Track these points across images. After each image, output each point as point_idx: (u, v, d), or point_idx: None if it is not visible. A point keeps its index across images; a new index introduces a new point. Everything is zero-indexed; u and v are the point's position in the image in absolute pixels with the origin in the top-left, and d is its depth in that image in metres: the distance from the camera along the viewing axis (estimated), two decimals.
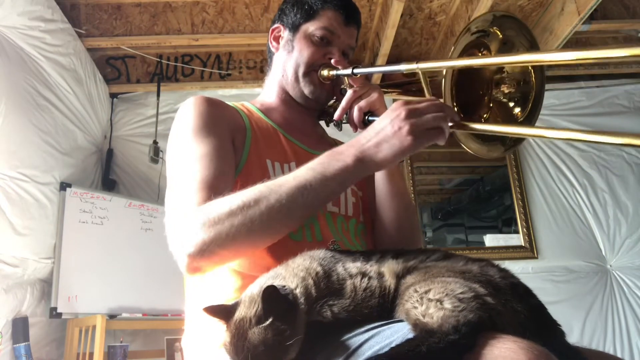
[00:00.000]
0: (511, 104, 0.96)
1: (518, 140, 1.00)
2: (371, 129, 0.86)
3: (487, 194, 3.45)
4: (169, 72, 3.26)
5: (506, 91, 0.96)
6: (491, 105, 0.97)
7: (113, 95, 3.27)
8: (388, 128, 0.83)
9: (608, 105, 3.42)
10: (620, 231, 3.15)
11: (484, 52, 0.93)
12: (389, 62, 3.10)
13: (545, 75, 0.96)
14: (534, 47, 0.92)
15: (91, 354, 2.29)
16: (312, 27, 1.15)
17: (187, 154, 0.96)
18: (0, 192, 2.14)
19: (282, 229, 0.86)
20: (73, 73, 2.76)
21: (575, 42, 3.35)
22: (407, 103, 0.84)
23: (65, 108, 2.69)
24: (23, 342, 2.18)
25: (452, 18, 2.99)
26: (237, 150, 1.01)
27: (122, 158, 3.18)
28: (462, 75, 0.93)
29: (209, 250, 0.81)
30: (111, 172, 3.13)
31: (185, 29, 3.02)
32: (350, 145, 0.86)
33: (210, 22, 3.02)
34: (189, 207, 0.86)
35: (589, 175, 3.27)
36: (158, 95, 3.18)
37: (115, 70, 3.24)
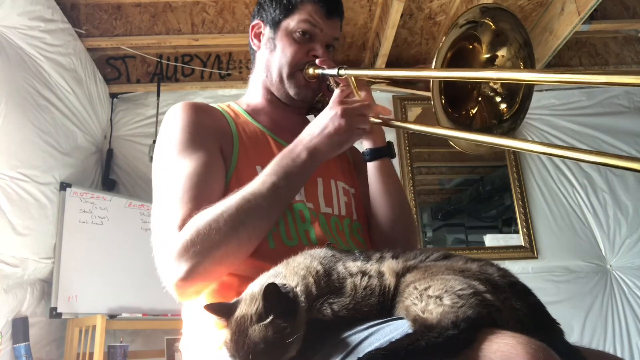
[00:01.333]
0: (498, 99, 0.97)
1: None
2: (313, 126, 0.98)
3: (487, 194, 3.45)
4: (169, 72, 3.26)
5: (496, 87, 0.97)
6: (479, 99, 0.98)
7: (113, 95, 3.27)
8: (329, 125, 0.96)
9: (608, 105, 3.42)
10: (620, 231, 3.15)
11: (475, 44, 0.92)
12: (389, 62, 3.11)
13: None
14: (528, 44, 0.92)
15: (91, 354, 2.29)
16: (292, 23, 1.12)
17: (172, 170, 0.95)
18: (0, 192, 2.14)
19: (266, 231, 0.92)
20: (73, 73, 2.76)
21: (575, 42, 3.36)
22: (341, 102, 0.99)
23: (65, 108, 2.69)
24: (23, 342, 2.18)
25: (452, 18, 3.00)
26: (225, 158, 1.00)
27: (122, 158, 3.18)
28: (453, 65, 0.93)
29: (196, 274, 0.83)
30: (111, 172, 3.13)
31: (185, 29, 3.02)
32: (299, 143, 0.97)
33: (210, 22, 3.02)
34: (171, 231, 0.87)
35: (589, 175, 3.27)
36: (158, 95, 3.18)
37: (115, 70, 3.25)
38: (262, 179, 0.91)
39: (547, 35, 2.87)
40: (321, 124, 0.97)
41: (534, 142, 0.72)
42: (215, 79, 3.27)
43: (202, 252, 0.82)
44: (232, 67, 3.27)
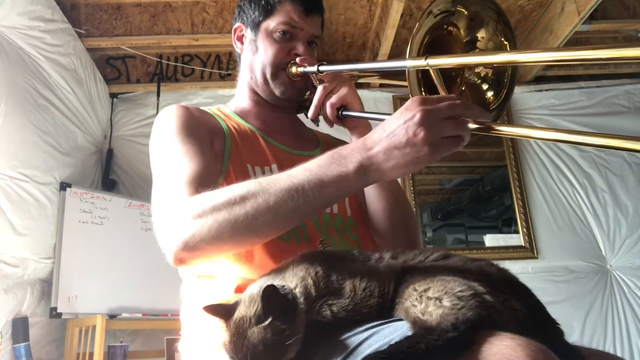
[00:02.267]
0: (485, 87, 0.93)
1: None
2: (381, 130, 0.75)
3: (487, 194, 3.45)
4: (169, 72, 3.26)
5: (482, 74, 0.93)
6: (463, 88, 0.94)
7: (113, 95, 3.27)
8: (401, 132, 0.72)
9: (608, 105, 3.42)
10: (620, 231, 3.15)
11: (450, 28, 0.89)
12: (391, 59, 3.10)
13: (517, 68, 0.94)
14: (501, 15, 0.89)
15: (91, 354, 2.29)
16: (272, 24, 1.12)
17: (170, 153, 0.95)
18: (0, 192, 2.14)
19: (268, 232, 0.81)
20: (73, 73, 2.76)
21: (575, 42, 3.36)
22: (424, 102, 0.73)
23: (65, 108, 2.69)
24: (23, 342, 2.18)
25: None
26: (218, 156, 1.00)
27: (122, 158, 3.18)
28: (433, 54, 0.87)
29: (193, 243, 0.79)
30: (111, 172, 3.13)
31: (185, 29, 3.02)
32: (357, 148, 0.76)
33: (210, 22, 3.02)
34: (177, 201, 0.86)
35: (589, 175, 3.27)
36: (158, 95, 3.18)
37: (115, 70, 3.25)
38: (292, 172, 0.78)
39: (547, 35, 2.87)
40: (391, 128, 0.74)
41: (526, 126, 0.71)
42: (215, 79, 3.27)
43: (201, 224, 0.79)
44: (232, 67, 3.27)
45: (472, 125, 0.75)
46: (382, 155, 0.74)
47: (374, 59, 3.16)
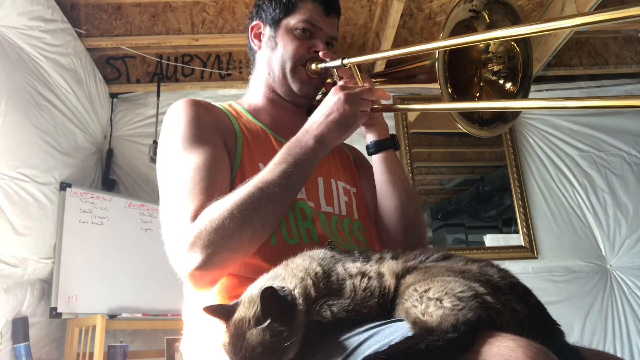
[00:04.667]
0: (501, 81, 0.99)
1: (501, 119, 1.01)
2: (318, 114, 1.00)
3: (487, 194, 3.45)
4: (169, 72, 3.26)
5: (495, 69, 0.99)
6: (482, 84, 1.00)
7: (113, 95, 3.27)
8: (334, 111, 0.98)
9: None
10: (620, 231, 3.15)
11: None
12: (389, 62, 3.10)
13: (531, 46, 0.99)
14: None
15: (91, 354, 2.29)
16: (293, 21, 1.13)
17: (179, 164, 0.95)
18: (0, 192, 2.14)
19: (278, 219, 0.93)
20: (73, 73, 2.76)
21: (575, 42, 3.36)
22: (343, 88, 1.01)
23: (65, 108, 2.69)
24: (23, 342, 2.18)
25: None
26: (229, 155, 1.01)
27: (122, 158, 3.18)
28: (453, 57, 0.95)
29: (211, 263, 0.83)
30: (111, 172, 3.12)
31: (185, 29, 3.02)
32: (305, 132, 0.98)
33: (210, 22, 3.02)
34: (184, 222, 0.87)
35: (589, 175, 3.27)
36: (158, 95, 3.18)
37: (115, 70, 3.25)
38: (271, 168, 0.92)
39: (547, 35, 2.87)
40: (325, 110, 0.99)
41: (542, 99, 0.74)
42: (215, 79, 3.26)
43: (217, 241, 0.82)
44: (232, 67, 3.27)
45: (376, 106, 1.06)
46: (326, 128, 0.98)
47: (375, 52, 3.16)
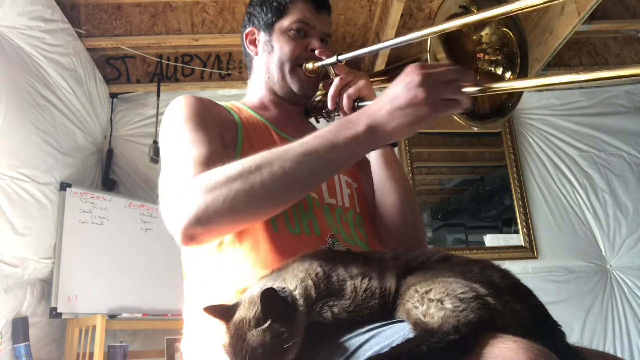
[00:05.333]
0: (500, 71, 0.95)
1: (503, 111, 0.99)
2: (384, 96, 0.81)
3: (487, 194, 3.45)
4: (169, 72, 3.26)
5: (492, 59, 0.95)
6: (478, 78, 0.95)
7: (113, 95, 3.27)
8: (402, 95, 0.78)
9: (608, 105, 3.42)
10: (620, 231, 3.15)
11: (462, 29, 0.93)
12: (389, 62, 3.10)
13: (522, 25, 0.95)
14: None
15: (91, 354, 2.29)
16: (286, 23, 1.14)
17: (180, 139, 0.95)
18: (0, 192, 2.14)
19: (285, 198, 0.82)
20: (73, 73, 2.76)
21: (575, 42, 3.36)
22: (422, 67, 0.79)
23: (65, 108, 2.69)
24: (23, 342, 2.18)
25: None
26: (229, 147, 1.00)
27: (122, 158, 3.18)
28: (447, 52, 0.91)
29: (207, 216, 0.77)
30: (111, 172, 3.12)
31: (185, 29, 3.02)
32: (362, 114, 0.82)
33: (210, 22, 3.02)
34: (185, 179, 0.84)
35: (589, 175, 3.27)
36: (158, 95, 3.17)
37: (115, 70, 3.24)
38: (304, 140, 0.81)
39: (547, 35, 2.87)
40: (393, 93, 0.80)
41: (545, 76, 0.73)
42: (215, 79, 3.26)
43: (214, 195, 0.77)
44: (232, 67, 3.27)
45: (468, 90, 0.79)
46: (387, 116, 0.79)
47: (374, 59, 3.16)
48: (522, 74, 0.94)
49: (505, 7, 0.76)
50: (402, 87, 0.78)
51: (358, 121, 0.81)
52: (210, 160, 0.87)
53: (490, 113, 0.94)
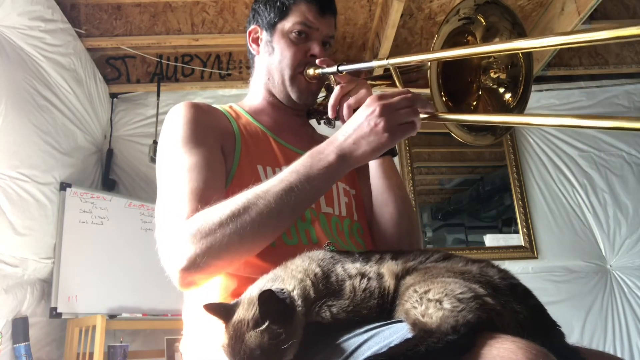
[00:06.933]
0: (501, 90, 0.95)
1: (506, 129, 0.99)
2: (348, 126, 0.89)
3: (487, 194, 3.45)
4: (169, 72, 3.26)
5: (495, 76, 0.95)
6: (480, 92, 0.96)
7: (113, 95, 3.27)
8: (364, 125, 0.86)
9: (608, 105, 3.42)
10: (620, 231, 3.15)
11: (469, 38, 0.92)
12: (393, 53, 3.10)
13: (533, 56, 0.95)
14: (516, 27, 0.91)
15: (91, 354, 2.29)
16: (288, 24, 1.12)
17: (175, 165, 0.95)
18: (0, 192, 2.14)
19: (274, 233, 0.88)
20: (73, 73, 2.76)
21: None
22: (380, 98, 0.87)
23: (65, 108, 2.69)
24: (23, 342, 2.18)
25: None
26: (227, 157, 1.00)
27: (122, 158, 3.18)
28: (448, 63, 0.92)
29: (202, 262, 0.81)
30: (111, 172, 3.12)
31: (185, 29, 3.02)
32: (330, 143, 0.89)
33: (210, 22, 3.02)
34: (178, 220, 0.86)
35: (589, 175, 3.27)
36: (158, 95, 3.18)
37: (115, 70, 3.24)
38: (281, 177, 0.86)
39: (547, 35, 2.87)
40: (356, 122, 0.87)
41: (538, 115, 0.72)
42: (215, 79, 3.26)
43: (209, 242, 0.81)
44: (232, 67, 3.27)
45: (422, 115, 0.89)
46: (353, 145, 0.87)
47: (373, 58, 3.15)
48: (521, 102, 0.94)
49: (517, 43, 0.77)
50: (364, 118, 0.87)
51: (328, 151, 0.88)
52: (207, 191, 0.90)
53: (484, 128, 0.95)
